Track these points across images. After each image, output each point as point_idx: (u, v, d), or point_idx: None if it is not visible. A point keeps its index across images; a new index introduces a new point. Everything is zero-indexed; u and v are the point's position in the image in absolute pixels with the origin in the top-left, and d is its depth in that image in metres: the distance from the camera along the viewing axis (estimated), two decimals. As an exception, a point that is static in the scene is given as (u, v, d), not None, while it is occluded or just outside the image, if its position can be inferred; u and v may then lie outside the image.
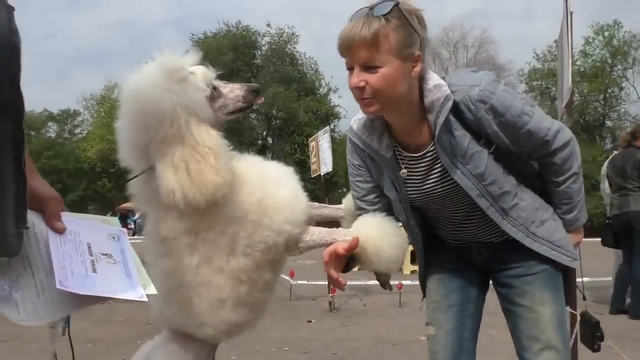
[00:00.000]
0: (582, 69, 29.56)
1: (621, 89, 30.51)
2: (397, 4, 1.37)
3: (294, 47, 31.41)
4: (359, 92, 1.39)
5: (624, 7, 47.25)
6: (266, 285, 1.55)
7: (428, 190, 1.56)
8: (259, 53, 31.78)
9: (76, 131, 42.25)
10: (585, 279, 6.10)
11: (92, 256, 1.06)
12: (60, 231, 1.04)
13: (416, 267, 1.89)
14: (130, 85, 1.39)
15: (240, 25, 32.14)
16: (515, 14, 51.30)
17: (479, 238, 1.64)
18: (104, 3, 63.77)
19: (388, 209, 1.66)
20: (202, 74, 1.48)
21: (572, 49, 3.03)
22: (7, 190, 0.90)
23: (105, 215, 1.30)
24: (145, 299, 1.06)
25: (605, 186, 5.65)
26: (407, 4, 1.40)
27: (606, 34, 29.33)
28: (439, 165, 1.52)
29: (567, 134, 1.54)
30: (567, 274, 1.68)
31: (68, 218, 1.07)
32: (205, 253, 1.45)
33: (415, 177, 1.57)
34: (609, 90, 29.84)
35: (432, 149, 1.51)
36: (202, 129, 1.39)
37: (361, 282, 6.29)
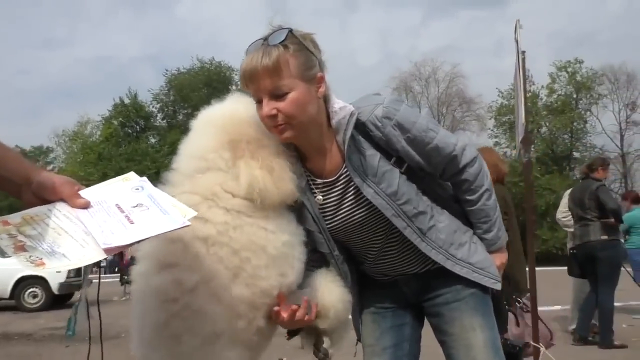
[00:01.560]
0: (548, 103, 30.59)
1: (586, 122, 31.60)
2: (290, 31, 1.41)
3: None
4: (271, 120, 1.40)
5: (587, 43, 49.40)
6: (260, 332, 1.40)
7: (344, 215, 1.55)
8: (234, 88, 32.11)
9: (49, 168, 41.61)
10: (550, 308, 6.17)
11: (124, 212, 1.08)
12: (84, 206, 1.06)
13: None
14: (213, 110, 1.51)
15: (214, 62, 32.54)
16: (485, 50, 53.15)
17: (403, 269, 1.62)
18: (79, 39, 63.78)
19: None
20: None
21: (525, 87, 3.17)
22: None
23: None
24: (189, 224, 1.09)
25: (561, 213, 5.87)
26: (299, 30, 1.44)
27: (569, 69, 30.53)
28: (352, 187, 1.51)
29: (473, 150, 1.58)
30: (493, 300, 1.65)
31: (88, 192, 1.12)
32: (208, 271, 1.32)
33: (330, 204, 1.55)
34: (575, 124, 30.87)
35: (344, 171, 1.51)
36: (277, 144, 1.46)
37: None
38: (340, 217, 1.55)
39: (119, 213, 1.07)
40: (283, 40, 1.39)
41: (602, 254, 5.19)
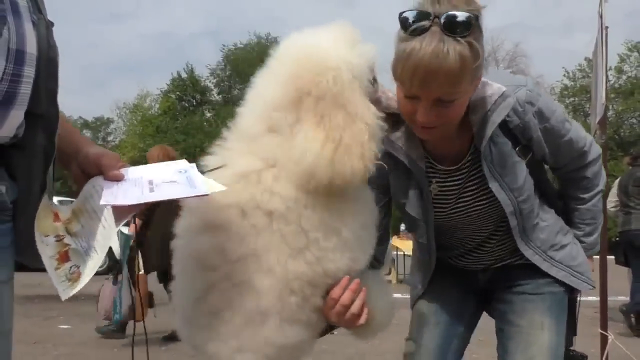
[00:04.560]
0: (616, 85, 28.90)
1: (658, 106, 29.62)
2: (476, 17, 1.12)
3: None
4: (422, 122, 1.21)
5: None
6: (317, 310, 1.21)
7: (461, 208, 1.41)
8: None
9: (109, 139, 43.27)
10: (622, 298, 5.93)
11: (153, 185, 1.02)
12: (117, 178, 1.01)
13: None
14: (293, 41, 1.21)
15: (270, 37, 32.62)
16: (554, 28, 50.54)
17: (489, 262, 1.52)
18: (143, 14, 65.46)
19: (385, 232, 1.45)
20: (370, 56, 1.20)
21: (606, 64, 2.98)
22: (35, 200, 0.91)
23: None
24: (205, 193, 1.00)
25: (611, 203, 5.61)
26: (474, 2, 1.15)
27: (640, 51, 28.64)
28: (476, 177, 1.37)
29: (598, 146, 1.48)
30: (570, 304, 1.54)
31: (130, 170, 1.06)
32: (263, 245, 1.13)
33: (447, 193, 1.41)
34: (646, 107, 29.04)
35: (471, 157, 1.36)
36: (363, 100, 1.14)
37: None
38: (455, 207, 1.42)
39: (146, 185, 1.02)
40: (468, 33, 1.10)
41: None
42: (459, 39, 1.09)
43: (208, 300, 1.16)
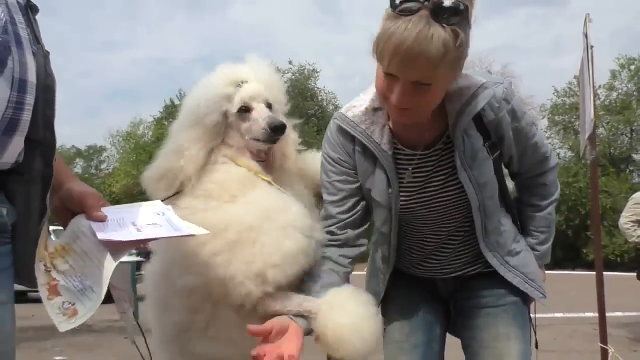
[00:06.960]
0: (606, 102, 29.25)
1: (648, 122, 29.93)
2: (466, 8, 1.12)
3: (315, 83, 31.88)
4: (396, 104, 1.21)
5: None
6: (237, 326, 1.23)
7: (427, 196, 1.40)
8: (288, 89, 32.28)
9: (102, 167, 43.25)
10: (618, 314, 5.94)
11: (137, 226, 1.08)
12: (100, 219, 1.05)
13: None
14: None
15: (263, 63, 32.95)
16: (543, 48, 51.17)
17: (448, 270, 1.51)
18: (137, 42, 66.10)
19: (363, 219, 1.44)
20: (247, 90, 1.39)
21: (593, 82, 3.03)
22: (33, 224, 0.94)
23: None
24: (192, 233, 1.11)
25: (622, 215, 5.51)
26: None
27: (632, 66, 29.06)
28: (446, 166, 1.37)
29: (556, 157, 1.52)
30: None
31: (111, 209, 1.10)
32: (167, 262, 1.34)
33: (415, 180, 1.40)
34: (637, 123, 29.35)
35: (440, 147, 1.36)
36: (188, 132, 1.41)
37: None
38: (419, 198, 1.41)
39: (131, 226, 1.08)
40: (455, 21, 1.11)
41: None
42: (444, 25, 1.10)
43: (154, 313, 1.43)
